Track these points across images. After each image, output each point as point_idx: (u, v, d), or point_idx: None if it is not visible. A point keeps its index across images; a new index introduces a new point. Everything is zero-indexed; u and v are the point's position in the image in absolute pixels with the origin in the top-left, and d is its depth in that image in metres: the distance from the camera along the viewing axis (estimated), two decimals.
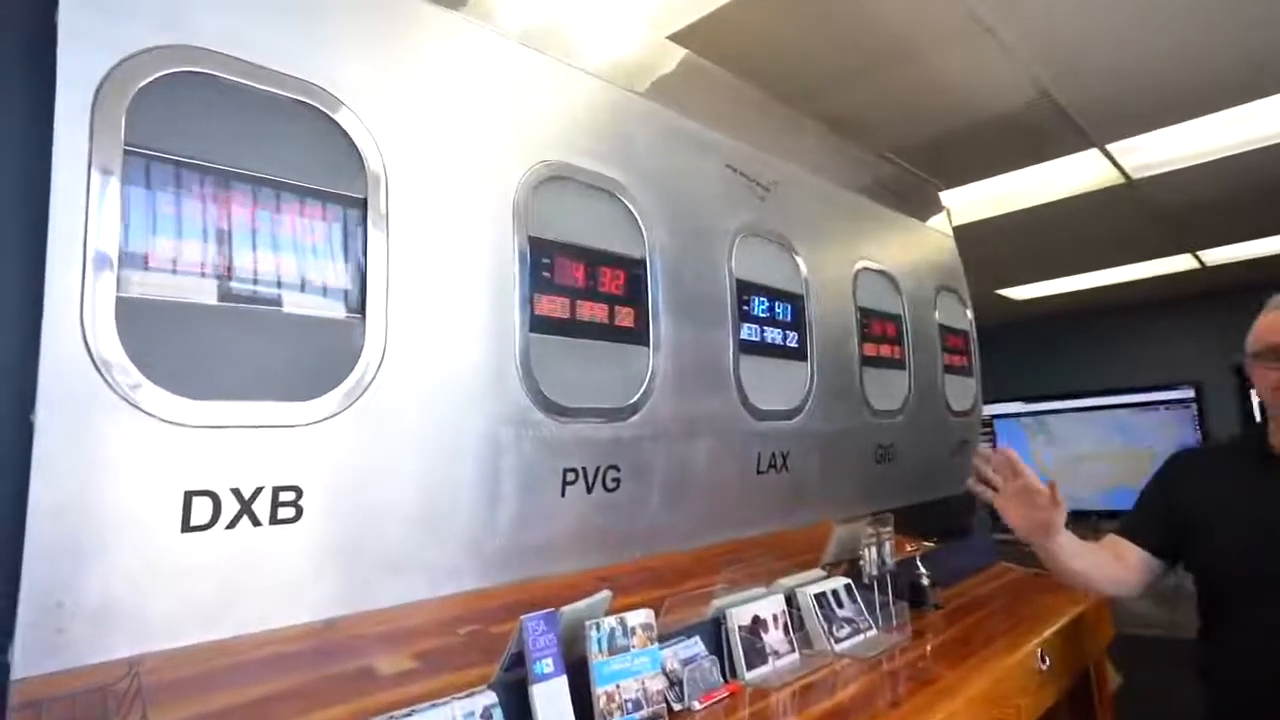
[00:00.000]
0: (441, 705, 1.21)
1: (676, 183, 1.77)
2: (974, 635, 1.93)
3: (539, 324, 1.42)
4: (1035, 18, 2.26)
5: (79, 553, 0.90)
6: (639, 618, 1.47)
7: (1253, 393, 1.40)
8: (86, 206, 0.93)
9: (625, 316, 1.58)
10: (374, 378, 1.17)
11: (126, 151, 0.97)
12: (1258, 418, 5.01)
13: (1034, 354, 6.78)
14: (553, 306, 1.45)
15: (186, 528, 0.98)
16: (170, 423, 0.97)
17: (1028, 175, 3.52)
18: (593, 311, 1.52)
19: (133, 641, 0.93)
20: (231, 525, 1.01)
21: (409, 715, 1.17)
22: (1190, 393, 6.30)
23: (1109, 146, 3.26)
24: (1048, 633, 1.88)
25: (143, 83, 0.99)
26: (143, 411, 0.95)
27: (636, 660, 1.43)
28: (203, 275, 1.02)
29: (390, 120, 1.25)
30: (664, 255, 1.69)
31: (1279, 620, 1.32)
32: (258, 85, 1.10)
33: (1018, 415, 6.87)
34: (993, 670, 1.63)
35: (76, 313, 0.91)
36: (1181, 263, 5.25)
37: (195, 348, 1.02)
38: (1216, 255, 5.10)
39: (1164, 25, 2.32)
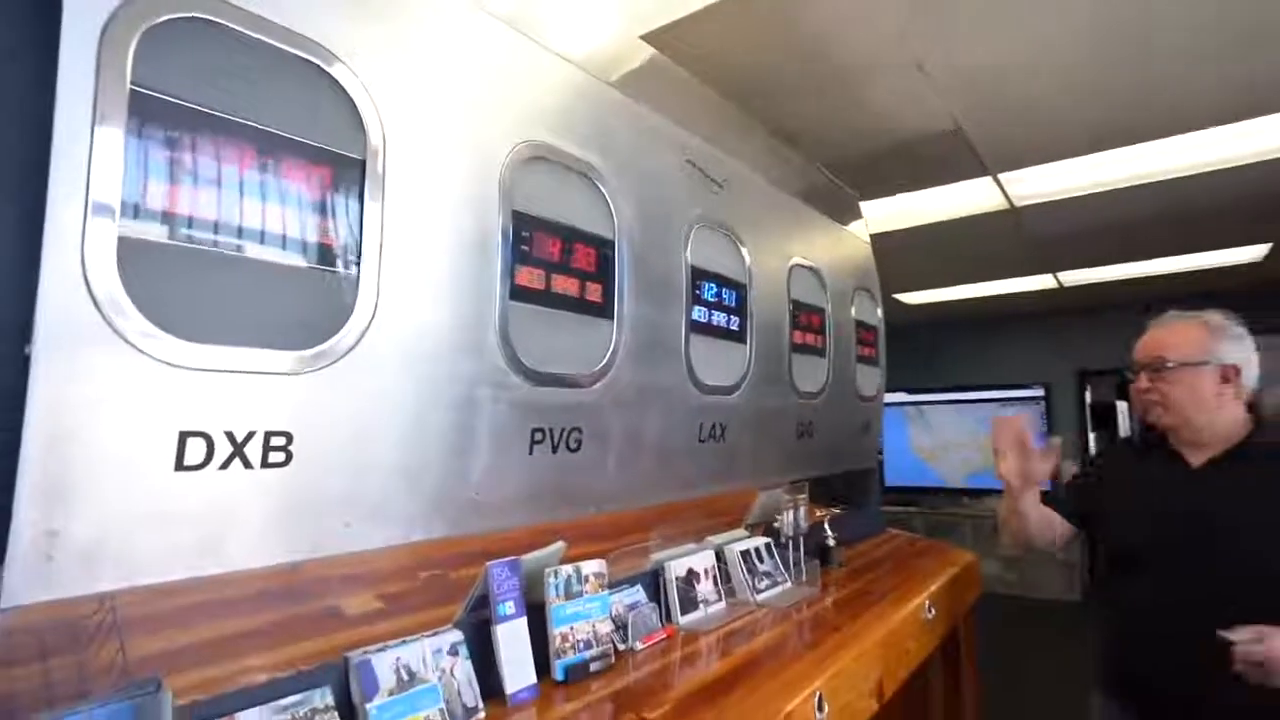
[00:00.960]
0: (412, 642, 1.19)
1: (643, 172, 1.77)
2: (872, 589, 2.05)
3: (518, 293, 1.40)
4: (957, 57, 2.36)
5: (72, 485, 0.84)
6: (592, 567, 1.49)
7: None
8: (91, 142, 0.85)
9: (594, 292, 1.58)
10: (365, 332, 1.14)
11: (133, 91, 0.89)
12: (1121, 416, 5.42)
13: (918, 352, 7.15)
14: (530, 278, 1.43)
15: (180, 466, 0.93)
16: (167, 363, 0.92)
17: (931, 195, 3.67)
18: (565, 285, 1.51)
19: (121, 575, 0.88)
20: (224, 466, 0.97)
21: (382, 650, 1.15)
22: (1041, 392, 6.81)
23: (1000, 176, 3.44)
24: (933, 588, 2.02)
25: (151, 23, 0.91)
26: (140, 351, 0.89)
27: (589, 605, 1.45)
28: (205, 221, 0.96)
29: (390, 89, 1.20)
30: (630, 238, 1.69)
31: (1163, 582, 1.42)
32: (266, 39, 1.03)
33: (901, 404, 7.25)
34: (890, 619, 1.74)
35: (77, 249, 0.84)
36: (1044, 281, 5.63)
37: (194, 291, 0.95)
38: (1072, 277, 5.50)
39: (1062, 75, 2.46)
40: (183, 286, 0.94)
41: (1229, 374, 1.42)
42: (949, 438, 7.10)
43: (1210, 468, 1.43)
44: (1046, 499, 1.74)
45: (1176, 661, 1.36)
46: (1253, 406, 1.47)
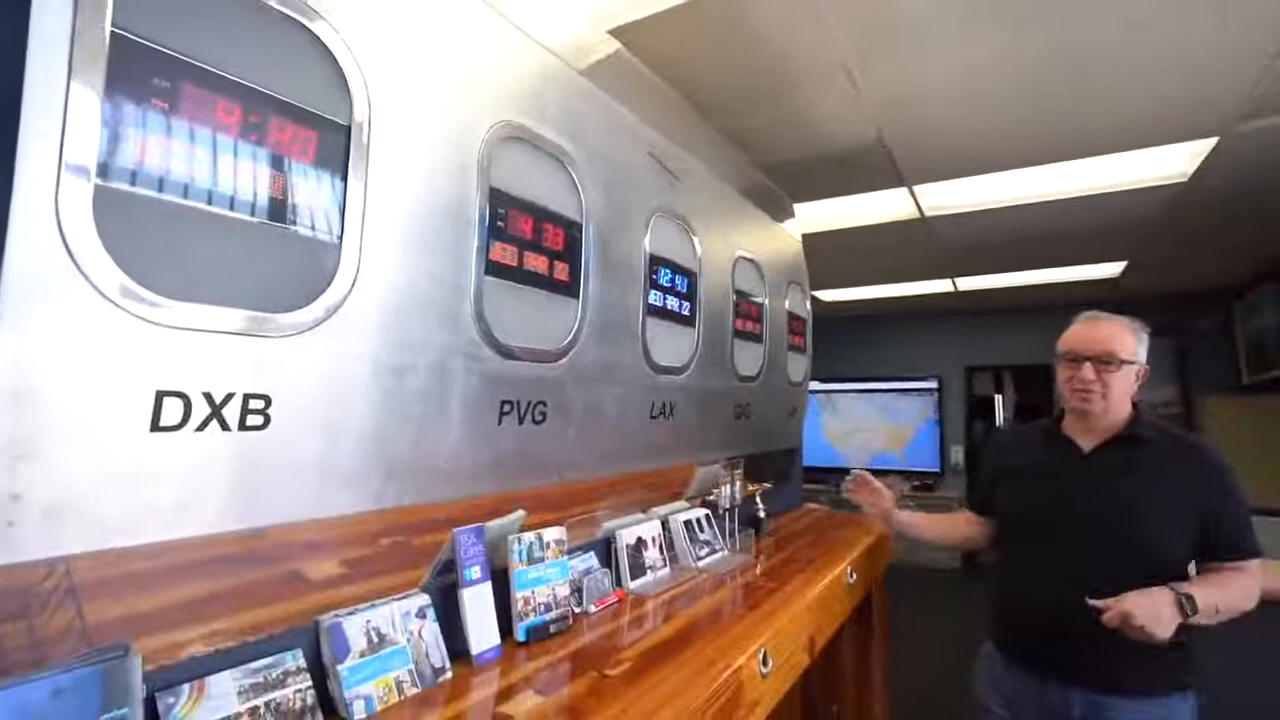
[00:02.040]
0: (381, 605, 1.17)
1: (610, 161, 1.75)
2: (799, 557, 2.14)
3: (492, 268, 1.35)
4: (886, 76, 2.45)
5: (40, 446, 0.76)
6: (553, 534, 1.49)
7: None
8: (68, 85, 0.76)
9: (562, 271, 1.55)
10: (346, 298, 1.08)
11: (113, 34, 0.80)
12: (998, 407, 5.82)
13: (831, 344, 7.44)
14: (504, 254, 1.39)
15: (156, 427, 0.85)
16: (146, 320, 0.84)
17: (853, 201, 3.82)
18: (536, 263, 1.48)
19: (89, 539, 0.81)
20: (201, 428, 0.90)
21: (352, 613, 1.13)
22: (934, 384, 7.23)
23: (915, 187, 3.61)
24: (853, 556, 2.12)
25: None
26: (118, 306, 0.81)
27: (549, 570, 1.46)
28: (187, 177, 0.88)
29: (375, 56, 1.13)
30: (596, 222, 1.67)
31: (1050, 546, 1.54)
32: None
33: (814, 392, 7.52)
34: (819, 583, 1.82)
35: (51, 194, 0.75)
36: (942, 285, 5.97)
37: (175, 248, 0.87)
38: (966, 283, 5.86)
39: (978, 102, 2.61)
40: (163, 242, 0.85)
41: (1142, 374, 1.56)
42: (855, 423, 7.44)
43: (1099, 452, 1.56)
44: (964, 501, 1.89)
45: (1051, 607, 1.48)
46: (1134, 400, 1.61)
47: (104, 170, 0.80)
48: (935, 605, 5.29)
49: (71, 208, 0.77)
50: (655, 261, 1.94)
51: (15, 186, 0.72)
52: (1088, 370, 1.55)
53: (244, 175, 0.94)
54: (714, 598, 1.68)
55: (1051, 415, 1.70)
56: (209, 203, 0.90)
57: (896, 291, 6.23)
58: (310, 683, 1.00)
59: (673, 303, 2.03)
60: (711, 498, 2.17)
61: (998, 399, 7.35)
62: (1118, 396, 1.54)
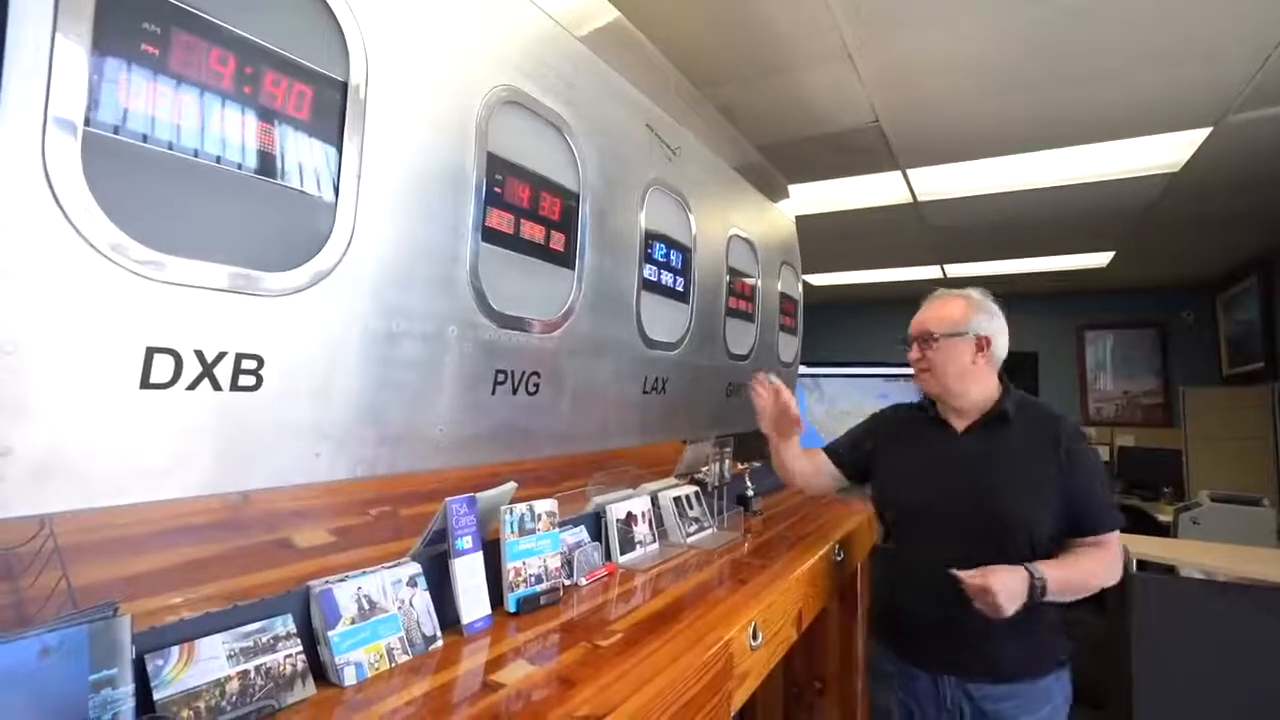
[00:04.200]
0: (371, 573, 1.17)
1: (608, 131, 1.73)
2: (788, 535, 2.16)
3: (489, 235, 1.33)
4: (885, 55, 2.45)
5: (28, 399, 0.74)
6: (545, 506, 1.50)
7: None
8: (54, 25, 0.73)
9: (558, 241, 1.53)
10: (341, 259, 1.05)
11: None
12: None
13: (819, 328, 7.47)
14: (501, 221, 1.37)
15: (145, 384, 0.83)
16: (137, 275, 0.82)
17: (845, 184, 3.82)
18: (533, 232, 1.46)
19: (78, 496, 0.79)
20: (192, 387, 0.88)
21: (342, 580, 1.13)
22: None
23: (908, 171, 3.62)
24: (840, 535, 2.15)
25: None
26: (108, 259, 0.79)
27: (541, 541, 1.47)
28: (181, 128, 0.85)
29: (375, 12, 1.10)
30: (593, 192, 1.65)
31: (931, 536, 1.56)
32: None
33: (801, 376, 7.57)
34: (808, 559, 1.84)
35: (37, 137, 0.72)
36: (932, 272, 6.01)
37: (167, 202, 0.85)
38: (956, 269, 5.91)
39: (976, 79, 2.61)
40: (155, 196, 0.83)
41: (982, 344, 1.54)
42: (841, 407, 7.51)
43: (969, 433, 1.58)
44: (826, 450, 1.87)
45: (935, 599, 1.50)
46: (1002, 377, 1.61)
47: (92, 118, 0.77)
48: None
49: (59, 157, 0.74)
50: (651, 236, 1.92)
51: (1, 123, 0.70)
52: (915, 350, 1.58)
53: (238, 128, 0.91)
54: (703, 573, 1.69)
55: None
56: (202, 156, 0.87)
57: (885, 277, 6.27)
58: (300, 648, 0.99)
59: (667, 278, 2.02)
60: (701, 475, 2.16)
61: None
62: (950, 373, 1.54)
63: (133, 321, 0.82)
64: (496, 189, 1.36)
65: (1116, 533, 1.43)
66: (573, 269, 1.59)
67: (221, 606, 0.96)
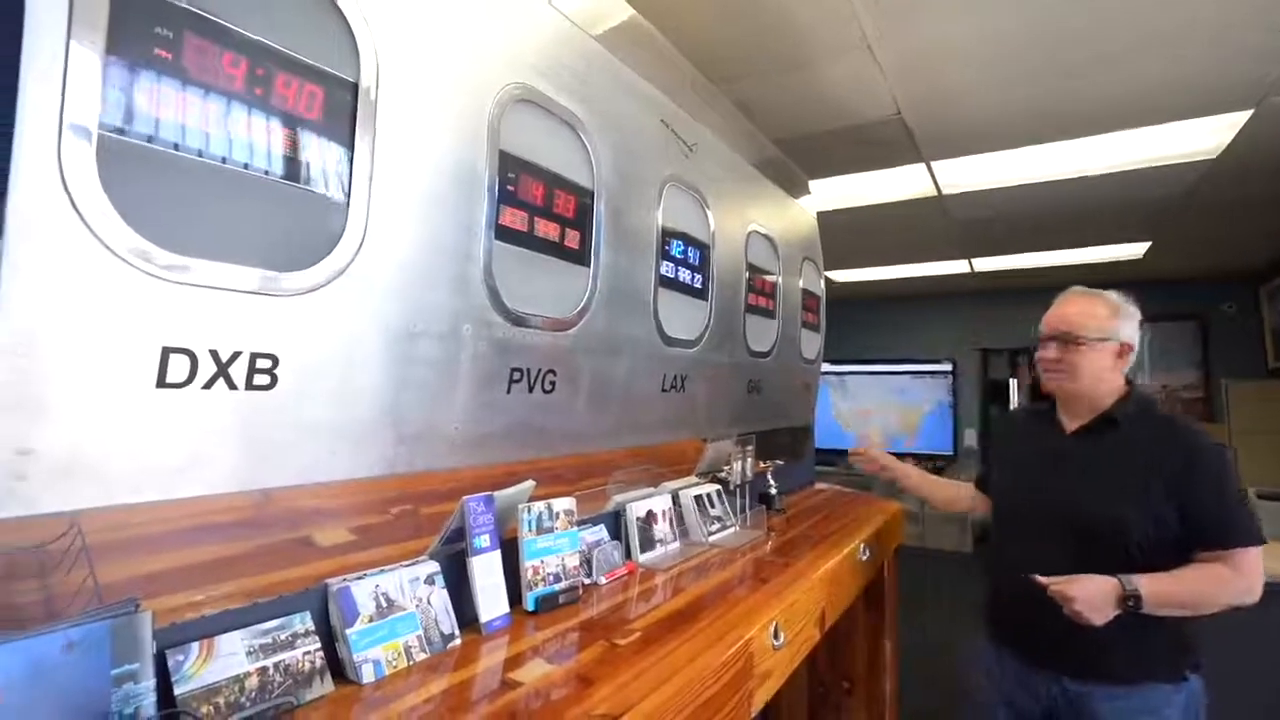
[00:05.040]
0: (390, 571, 1.17)
1: (623, 128, 1.72)
2: (812, 533, 2.12)
3: (502, 233, 1.33)
4: (906, 44, 2.39)
5: (48, 400, 0.75)
6: (563, 504, 1.48)
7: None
8: (69, 31, 0.74)
9: (573, 239, 1.53)
10: (353, 259, 1.06)
11: None
12: (1013, 390, 5.77)
13: (842, 326, 7.39)
14: (515, 219, 1.37)
15: (162, 383, 0.84)
16: (152, 275, 0.83)
17: (867, 178, 3.76)
18: (547, 230, 1.46)
19: (97, 495, 0.80)
20: (207, 386, 0.89)
21: (360, 578, 1.13)
22: (949, 367, 7.17)
23: (932, 164, 3.54)
24: (867, 532, 2.10)
25: None
26: (123, 260, 0.80)
27: (559, 540, 1.45)
28: (194, 130, 0.86)
29: (385, 12, 1.11)
30: (608, 189, 1.64)
31: (1027, 535, 1.51)
32: None
33: (825, 373, 7.49)
34: (831, 558, 1.81)
35: (54, 141, 0.74)
36: (958, 266, 5.89)
37: (181, 203, 0.86)
38: (983, 264, 5.78)
39: (1000, 66, 2.54)
40: (169, 197, 0.84)
41: (1124, 350, 1.49)
42: (866, 405, 7.41)
43: (1077, 434, 1.53)
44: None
45: (1031, 597, 1.43)
46: (1129, 380, 1.54)
47: (107, 122, 0.78)
48: (945, 586, 5.29)
49: (75, 160, 0.75)
50: (668, 232, 1.91)
51: (17, 138, 0.71)
52: (1051, 349, 1.51)
53: (250, 130, 0.92)
54: (725, 571, 1.66)
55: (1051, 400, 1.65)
56: (214, 157, 0.88)
57: (910, 272, 6.16)
58: (319, 645, 1.00)
59: (685, 275, 2.01)
60: (723, 474, 2.14)
61: (1012, 382, 7.29)
62: (1088, 376, 1.48)
63: (148, 322, 0.83)
64: (510, 187, 1.36)
65: (1254, 549, 1.32)
66: (588, 266, 1.59)
67: (242, 603, 0.97)
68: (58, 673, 0.76)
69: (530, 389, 1.42)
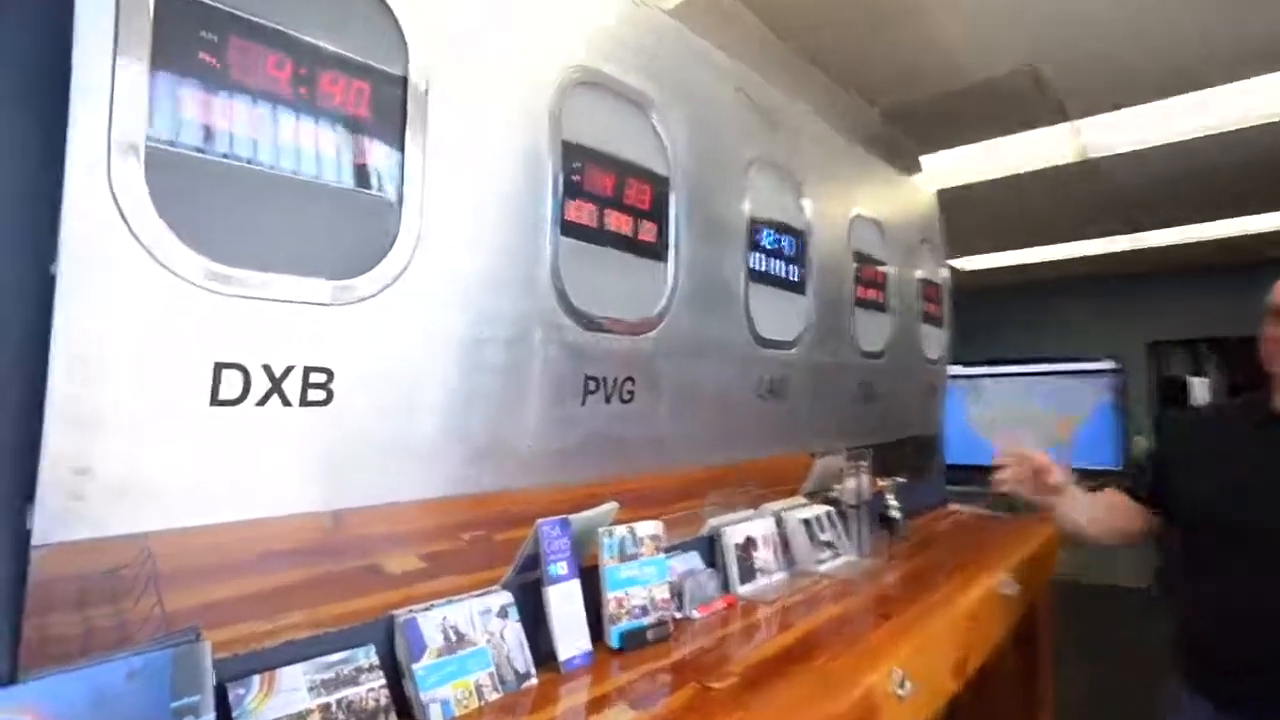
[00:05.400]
0: (459, 601, 1.16)
1: (698, 107, 1.68)
2: (943, 562, 1.98)
3: (569, 229, 1.33)
4: None
5: (103, 418, 0.79)
6: (648, 528, 1.45)
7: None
8: (115, 40, 0.79)
9: (648, 231, 1.51)
10: (409, 264, 1.07)
11: None
12: (1197, 390, 5.16)
13: (974, 322, 6.95)
14: (582, 213, 1.36)
15: (215, 401, 0.88)
16: (202, 288, 0.86)
17: (994, 146, 3.50)
18: (619, 223, 1.44)
19: (154, 518, 0.84)
20: (261, 403, 0.92)
21: (427, 609, 1.12)
22: (1113, 365, 6.55)
23: (1076, 122, 3.26)
24: (1012, 562, 1.93)
25: None
26: (174, 273, 0.84)
27: (645, 569, 1.41)
28: (240, 136, 0.90)
29: (432, 3, 1.13)
30: (685, 175, 1.60)
31: (1250, 557, 1.32)
32: None
33: (954, 378, 7.06)
34: (969, 592, 1.66)
35: (103, 157, 0.78)
36: (1113, 244, 5.39)
37: (231, 212, 0.90)
38: (1147, 239, 5.26)
39: (1150, 4, 2.29)
40: (216, 206, 0.88)
41: None
42: (1007, 412, 6.89)
43: None
44: (1123, 486, 1.61)
45: (1258, 633, 1.26)
46: None
47: (155, 134, 0.82)
48: (1115, 629, 4.80)
49: (125, 175, 0.79)
50: (756, 219, 1.85)
51: (68, 152, 0.76)
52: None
53: (296, 132, 0.95)
54: (839, 606, 1.57)
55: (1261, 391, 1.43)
56: (261, 163, 0.92)
57: (1056, 254, 5.69)
58: (384, 681, 1.00)
59: (778, 267, 1.94)
60: (834, 493, 2.07)
61: (1195, 381, 6.55)
62: None
63: (200, 337, 0.86)
64: (575, 178, 1.35)
65: None
66: (667, 261, 1.55)
67: (303, 634, 0.98)
68: (119, 702, 0.79)
69: (607, 399, 1.40)
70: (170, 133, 0.84)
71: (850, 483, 2.05)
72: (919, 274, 2.83)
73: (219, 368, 0.88)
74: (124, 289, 0.80)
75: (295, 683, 0.94)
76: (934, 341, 2.95)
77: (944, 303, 3.12)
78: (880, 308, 2.51)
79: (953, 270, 5.73)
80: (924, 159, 3.05)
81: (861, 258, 2.37)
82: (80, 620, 0.79)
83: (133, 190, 0.80)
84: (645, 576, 1.40)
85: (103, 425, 0.79)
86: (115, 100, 0.79)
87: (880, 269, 2.52)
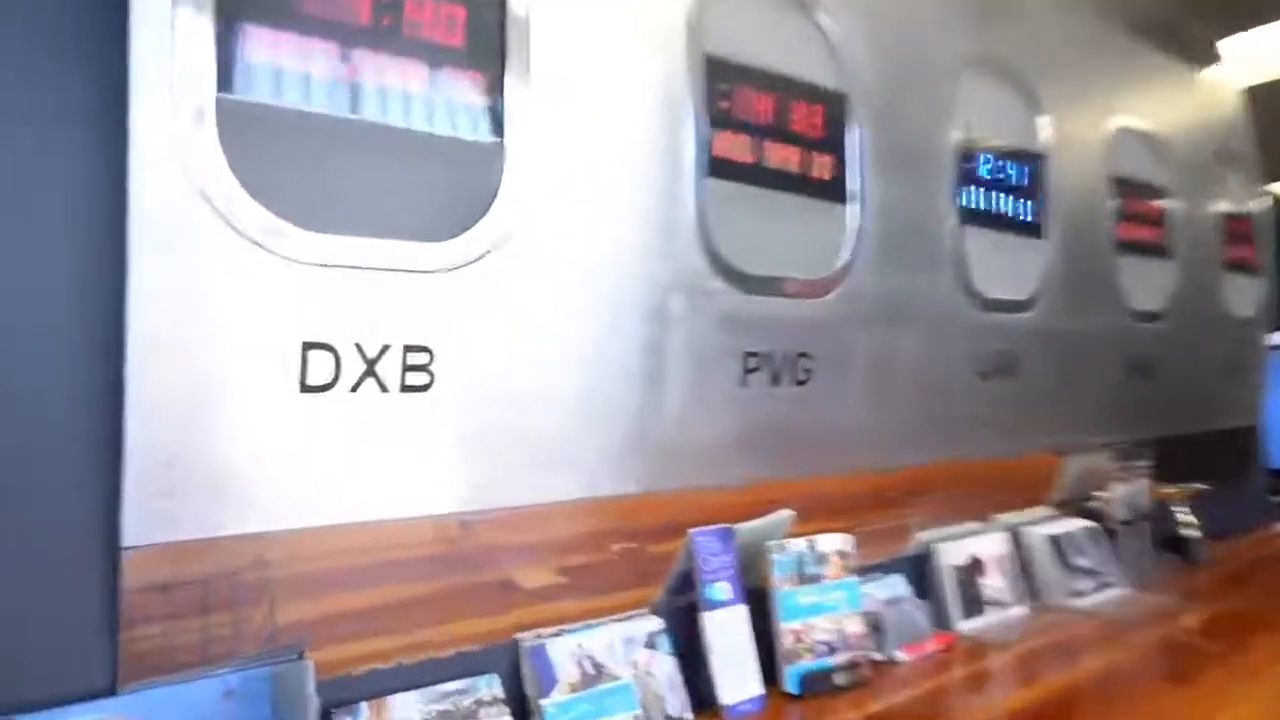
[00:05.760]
0: (598, 626, 1.12)
1: None
2: (1267, 608, 1.71)
3: (718, 168, 1.24)
4: None
5: (185, 409, 0.80)
6: (834, 543, 1.37)
7: None
8: None
9: (822, 166, 1.39)
10: (516, 219, 1.02)
11: None
12: None
13: None
14: (734, 147, 1.28)
15: (305, 387, 0.86)
16: (283, 257, 0.85)
17: None
18: (784, 157, 1.35)
19: (249, 517, 0.84)
20: (355, 388, 0.90)
21: (559, 635, 1.08)
22: None
23: None
24: None
25: None
26: (252, 242, 0.83)
27: (831, 594, 1.33)
28: (322, 79, 0.89)
29: None
30: (869, 90, 1.46)
31: None
32: None
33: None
34: None
35: (168, 120, 0.78)
36: None
37: (313, 169, 0.89)
38: None
39: None
40: (296, 161, 0.87)
41: None
42: None
43: None
44: None
45: None
46: None
47: (226, 77, 0.82)
48: None
49: (192, 131, 0.79)
50: (970, 142, 1.67)
51: (131, 112, 0.76)
52: None
53: (381, 71, 0.92)
54: (1106, 658, 1.41)
55: None
56: (342, 110, 0.89)
57: None
58: (509, 717, 0.97)
59: (1004, 204, 1.77)
60: (1095, 504, 1.91)
61: None
62: None
63: (284, 311, 0.85)
64: (723, 104, 1.25)
65: None
66: (848, 203, 1.42)
67: (417, 657, 0.97)
68: None
69: (774, 379, 1.32)
70: (240, 83, 0.83)
71: (1119, 491, 1.90)
72: (1218, 205, 2.48)
73: (307, 348, 0.86)
74: (200, 262, 0.80)
75: (407, 712, 0.93)
76: (1244, 295, 2.58)
77: (1259, 243, 2.69)
78: (1159, 252, 2.23)
79: (1275, 200, 4.85)
80: (1223, 44, 2.58)
81: (1127, 186, 2.11)
82: (178, 630, 0.81)
83: (205, 154, 0.80)
84: (832, 604, 1.31)
85: (186, 419, 0.80)
86: (177, 46, 0.79)
87: (1157, 200, 2.24)
